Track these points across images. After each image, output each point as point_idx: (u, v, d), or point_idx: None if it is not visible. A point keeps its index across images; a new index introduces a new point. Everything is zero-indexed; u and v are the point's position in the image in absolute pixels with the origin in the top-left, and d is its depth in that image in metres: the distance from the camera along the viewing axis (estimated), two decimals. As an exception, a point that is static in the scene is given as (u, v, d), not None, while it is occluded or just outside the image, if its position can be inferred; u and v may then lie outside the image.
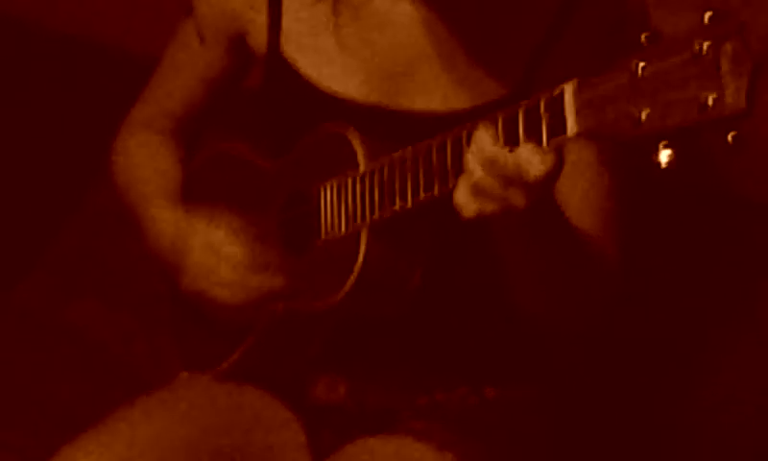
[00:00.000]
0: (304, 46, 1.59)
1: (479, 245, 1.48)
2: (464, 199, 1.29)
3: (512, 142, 1.26)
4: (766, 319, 1.75)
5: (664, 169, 1.14)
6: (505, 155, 1.25)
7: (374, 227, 1.47)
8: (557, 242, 1.39)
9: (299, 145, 1.58)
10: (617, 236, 1.51)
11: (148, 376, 2.06)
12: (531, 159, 1.23)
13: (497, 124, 1.28)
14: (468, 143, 1.30)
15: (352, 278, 1.47)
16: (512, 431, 1.61)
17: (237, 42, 1.67)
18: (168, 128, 1.76)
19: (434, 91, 1.53)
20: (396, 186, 1.42)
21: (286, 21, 1.61)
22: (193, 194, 1.71)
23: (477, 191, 1.28)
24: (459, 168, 1.32)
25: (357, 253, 1.47)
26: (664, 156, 1.15)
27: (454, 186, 1.32)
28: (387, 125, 1.53)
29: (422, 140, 1.40)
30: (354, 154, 1.48)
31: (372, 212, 1.45)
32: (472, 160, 1.28)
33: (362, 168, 1.47)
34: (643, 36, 1.15)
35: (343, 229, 1.49)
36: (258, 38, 1.64)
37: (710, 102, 1.09)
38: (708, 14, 1.10)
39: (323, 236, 1.53)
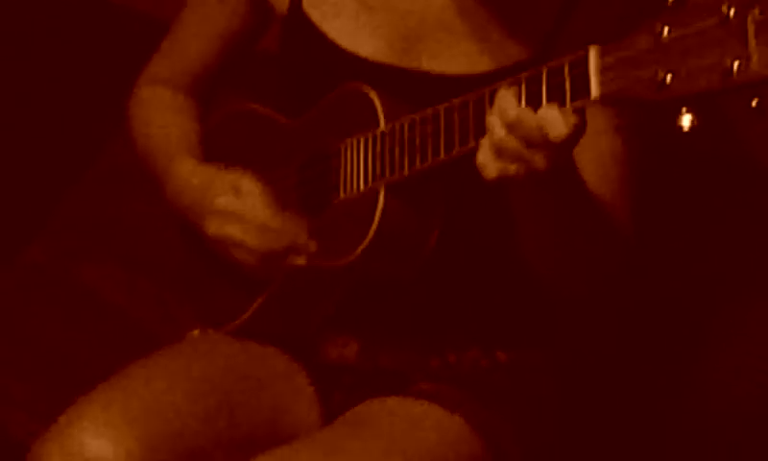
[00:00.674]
0: (326, 4, 1.59)
1: (494, 208, 1.49)
2: (486, 159, 1.30)
3: (534, 104, 1.27)
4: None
5: (685, 133, 1.15)
6: (528, 115, 1.26)
7: (392, 187, 1.47)
8: (573, 205, 1.39)
9: (318, 104, 1.58)
10: (630, 203, 1.52)
11: (159, 336, 2.06)
12: (554, 121, 1.24)
13: (520, 85, 1.29)
14: (491, 104, 1.31)
15: (368, 237, 1.48)
16: (522, 395, 1.61)
17: None
18: (186, 84, 1.76)
19: (455, 53, 1.54)
20: (417, 145, 1.42)
21: None
22: (212, 151, 1.72)
23: (499, 152, 1.29)
24: (480, 128, 1.33)
25: (374, 212, 1.48)
26: (686, 120, 1.15)
27: (474, 147, 1.33)
28: (407, 86, 1.54)
29: (443, 102, 1.40)
30: (375, 113, 1.49)
31: (391, 171, 1.46)
32: (495, 121, 1.29)
33: (382, 127, 1.48)
34: (669, 0, 1.15)
35: (362, 187, 1.50)
36: (280, -5, 1.64)
37: (735, 67, 1.09)
38: (735, -21, 1.10)
39: (341, 195, 1.53)
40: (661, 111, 1.17)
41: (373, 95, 1.49)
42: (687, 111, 1.15)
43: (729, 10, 1.10)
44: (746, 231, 1.78)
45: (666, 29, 1.15)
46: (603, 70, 1.21)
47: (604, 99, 1.22)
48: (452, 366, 1.62)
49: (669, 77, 1.14)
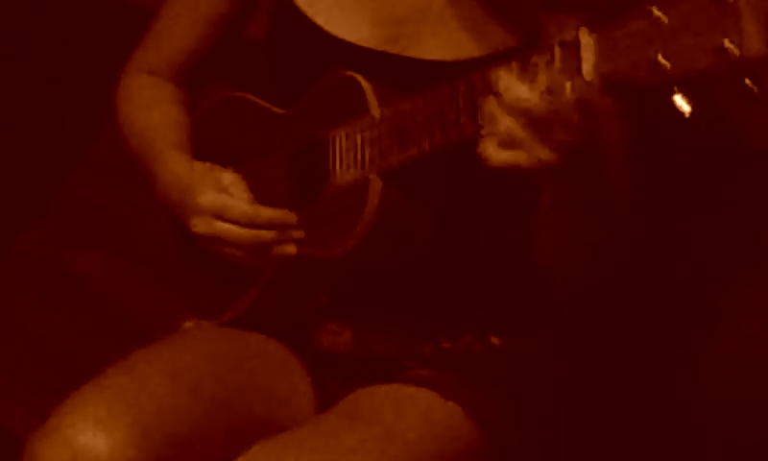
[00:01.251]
0: None
1: (489, 194, 1.48)
2: (490, 149, 1.28)
3: None
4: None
5: (680, 116, 1.14)
6: (532, 93, 1.24)
7: (384, 174, 1.47)
8: (593, 191, 1.38)
9: (308, 92, 1.57)
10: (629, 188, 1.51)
11: (151, 328, 2.06)
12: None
13: (512, 70, 1.28)
14: (482, 88, 1.30)
15: (360, 226, 1.47)
16: (517, 379, 1.61)
17: None
18: (173, 72, 1.75)
19: (444, 40, 1.53)
20: (408, 131, 1.42)
21: None
22: (201, 140, 1.71)
23: (507, 143, 1.27)
24: (471, 113, 1.32)
25: (366, 201, 1.47)
26: (681, 102, 1.15)
27: (468, 132, 1.32)
28: (396, 72, 1.53)
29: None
30: (365, 100, 1.48)
31: (382, 159, 1.45)
32: (497, 106, 1.27)
33: (373, 114, 1.47)
34: (661, -19, 1.15)
35: (353, 175, 1.49)
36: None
37: (729, 46, 1.09)
38: (728, -43, 1.10)
39: (332, 184, 1.52)
40: (656, 93, 1.16)
41: (363, 82, 1.48)
42: (682, 94, 1.15)
43: (721, -12, 1.10)
44: (746, 213, 1.78)
45: (659, 9, 1.15)
46: (596, 52, 1.20)
47: (597, 81, 1.21)
48: (446, 352, 1.61)
49: (662, 57, 1.14)
